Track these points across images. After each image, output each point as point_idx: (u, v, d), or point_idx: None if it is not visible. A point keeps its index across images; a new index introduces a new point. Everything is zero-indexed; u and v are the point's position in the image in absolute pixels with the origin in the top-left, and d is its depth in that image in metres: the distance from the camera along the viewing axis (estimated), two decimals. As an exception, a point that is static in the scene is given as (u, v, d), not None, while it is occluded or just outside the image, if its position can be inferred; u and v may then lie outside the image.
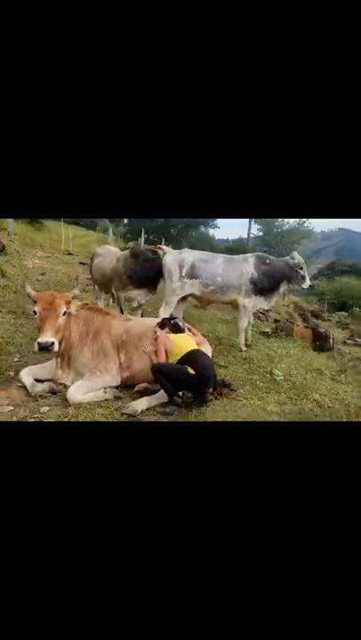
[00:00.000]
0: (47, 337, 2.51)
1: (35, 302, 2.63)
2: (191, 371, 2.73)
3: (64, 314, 2.67)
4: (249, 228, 23.92)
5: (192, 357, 2.82)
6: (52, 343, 2.51)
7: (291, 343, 5.24)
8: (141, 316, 4.51)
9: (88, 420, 2.48)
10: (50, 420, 2.44)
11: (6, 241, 8.24)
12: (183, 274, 4.17)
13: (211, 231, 23.25)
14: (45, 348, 2.49)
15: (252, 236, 23.95)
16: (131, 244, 12.76)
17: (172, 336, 2.99)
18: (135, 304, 4.45)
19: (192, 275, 4.18)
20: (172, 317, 3.31)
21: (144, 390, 2.92)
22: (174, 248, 4.88)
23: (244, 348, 4.43)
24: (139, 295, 4.35)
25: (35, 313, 2.60)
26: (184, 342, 2.95)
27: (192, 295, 4.36)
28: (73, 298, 2.82)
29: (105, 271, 4.62)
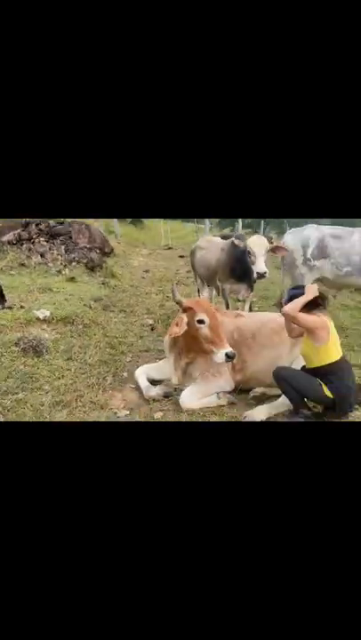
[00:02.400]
0: (230, 347, 2.41)
1: (191, 310, 2.48)
2: (327, 392, 2.19)
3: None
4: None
5: (335, 372, 2.20)
6: (236, 354, 2.43)
7: None
8: (250, 310, 4.14)
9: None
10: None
11: (114, 243, 8.87)
12: (308, 255, 3.60)
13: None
14: (233, 357, 2.40)
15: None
16: (226, 230, 12.34)
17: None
18: (241, 297, 4.10)
19: (321, 254, 3.57)
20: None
21: (261, 396, 2.58)
22: (274, 231, 4.30)
23: (378, 340, 3.66)
24: (242, 289, 3.98)
25: (201, 322, 2.46)
26: (337, 343, 2.31)
27: (322, 280, 3.74)
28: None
29: (210, 263, 4.39)
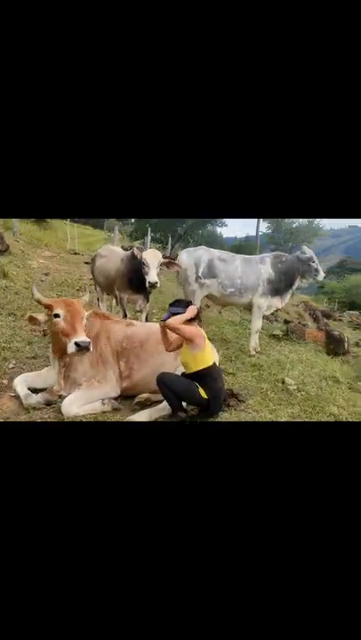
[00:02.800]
0: (84, 336, 2.37)
1: (50, 307, 2.48)
2: (203, 393, 2.45)
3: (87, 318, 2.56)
4: (257, 227, 23.58)
5: (209, 375, 2.48)
6: (90, 342, 2.38)
7: (303, 347, 4.98)
8: (146, 320, 4.30)
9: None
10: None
11: (11, 241, 8.12)
12: (200, 273, 3.97)
13: (218, 229, 22.93)
14: (85, 348, 2.35)
15: (260, 233, 23.57)
16: (136, 242, 12.56)
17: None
18: (138, 308, 4.23)
19: (210, 274, 3.98)
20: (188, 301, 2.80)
21: (145, 401, 2.71)
22: (182, 247, 4.63)
23: (253, 353, 4.19)
24: (139, 299, 4.13)
25: (57, 316, 2.44)
26: (211, 350, 2.61)
27: (208, 297, 4.14)
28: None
29: (109, 273, 4.42)
